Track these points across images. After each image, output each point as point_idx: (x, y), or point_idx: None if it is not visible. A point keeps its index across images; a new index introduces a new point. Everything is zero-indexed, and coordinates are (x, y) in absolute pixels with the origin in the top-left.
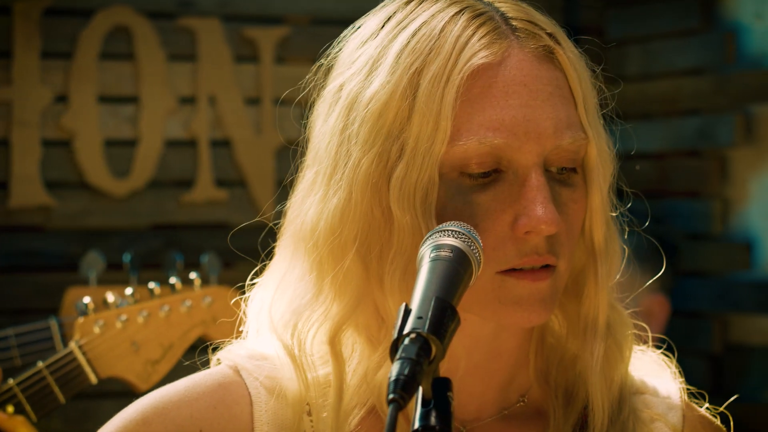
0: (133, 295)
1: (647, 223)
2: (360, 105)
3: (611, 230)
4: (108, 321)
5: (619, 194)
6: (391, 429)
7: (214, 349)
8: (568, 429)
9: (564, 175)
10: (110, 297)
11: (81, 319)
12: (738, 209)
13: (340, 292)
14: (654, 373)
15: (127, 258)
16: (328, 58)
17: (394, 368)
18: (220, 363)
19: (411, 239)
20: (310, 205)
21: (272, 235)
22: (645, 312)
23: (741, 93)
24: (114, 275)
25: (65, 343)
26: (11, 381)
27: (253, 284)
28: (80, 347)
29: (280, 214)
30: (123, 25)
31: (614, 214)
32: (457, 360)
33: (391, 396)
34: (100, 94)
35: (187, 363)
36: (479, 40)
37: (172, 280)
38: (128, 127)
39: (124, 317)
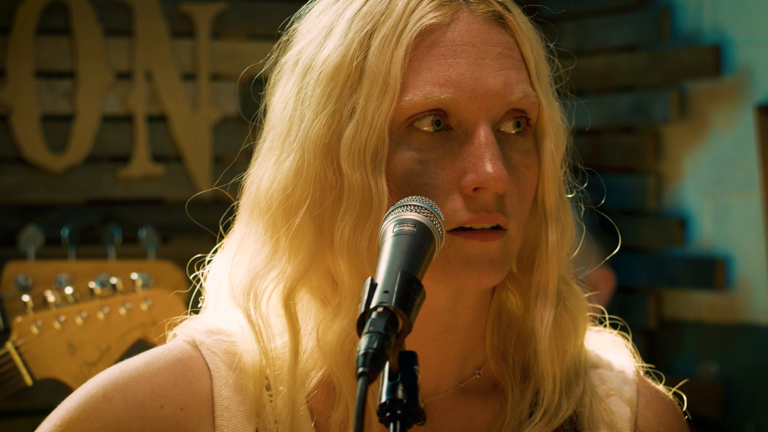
0: (73, 294)
1: (602, 200)
2: (314, 69)
3: (564, 201)
4: (46, 321)
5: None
6: (361, 402)
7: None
8: (525, 405)
9: (517, 140)
10: (50, 296)
11: (19, 319)
12: (672, 185)
13: (293, 252)
14: (609, 349)
15: (65, 233)
16: (288, 33)
17: (363, 342)
18: (175, 338)
19: (360, 197)
20: (265, 170)
21: (216, 210)
22: (590, 286)
23: (675, 69)
24: (52, 250)
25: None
26: None
27: (208, 260)
28: (17, 348)
29: (215, 190)
30: (60, 0)
31: (571, 195)
32: (414, 332)
33: (360, 369)
34: (37, 69)
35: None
36: (429, 3)
37: (113, 280)
38: (65, 102)
39: (62, 318)
